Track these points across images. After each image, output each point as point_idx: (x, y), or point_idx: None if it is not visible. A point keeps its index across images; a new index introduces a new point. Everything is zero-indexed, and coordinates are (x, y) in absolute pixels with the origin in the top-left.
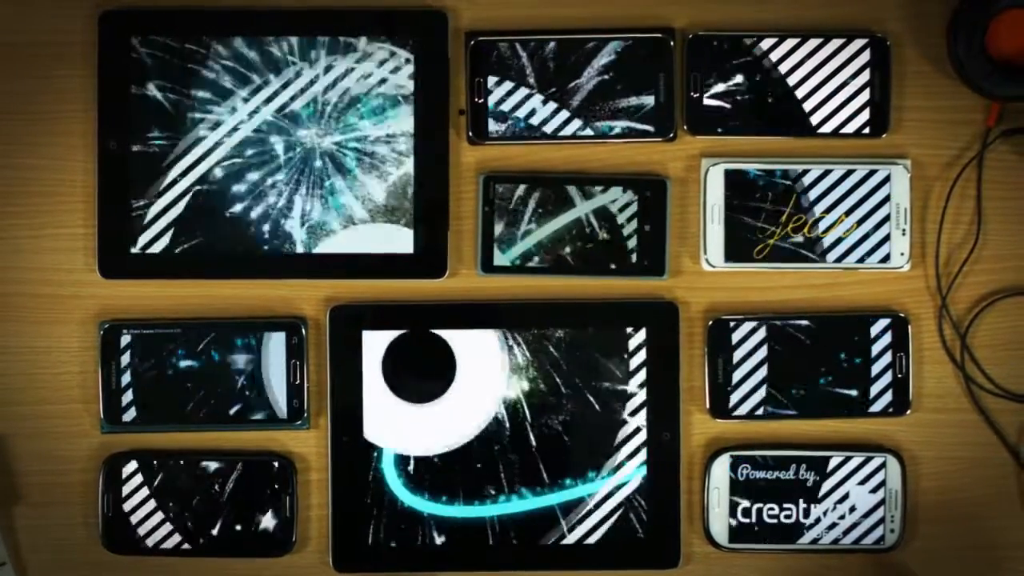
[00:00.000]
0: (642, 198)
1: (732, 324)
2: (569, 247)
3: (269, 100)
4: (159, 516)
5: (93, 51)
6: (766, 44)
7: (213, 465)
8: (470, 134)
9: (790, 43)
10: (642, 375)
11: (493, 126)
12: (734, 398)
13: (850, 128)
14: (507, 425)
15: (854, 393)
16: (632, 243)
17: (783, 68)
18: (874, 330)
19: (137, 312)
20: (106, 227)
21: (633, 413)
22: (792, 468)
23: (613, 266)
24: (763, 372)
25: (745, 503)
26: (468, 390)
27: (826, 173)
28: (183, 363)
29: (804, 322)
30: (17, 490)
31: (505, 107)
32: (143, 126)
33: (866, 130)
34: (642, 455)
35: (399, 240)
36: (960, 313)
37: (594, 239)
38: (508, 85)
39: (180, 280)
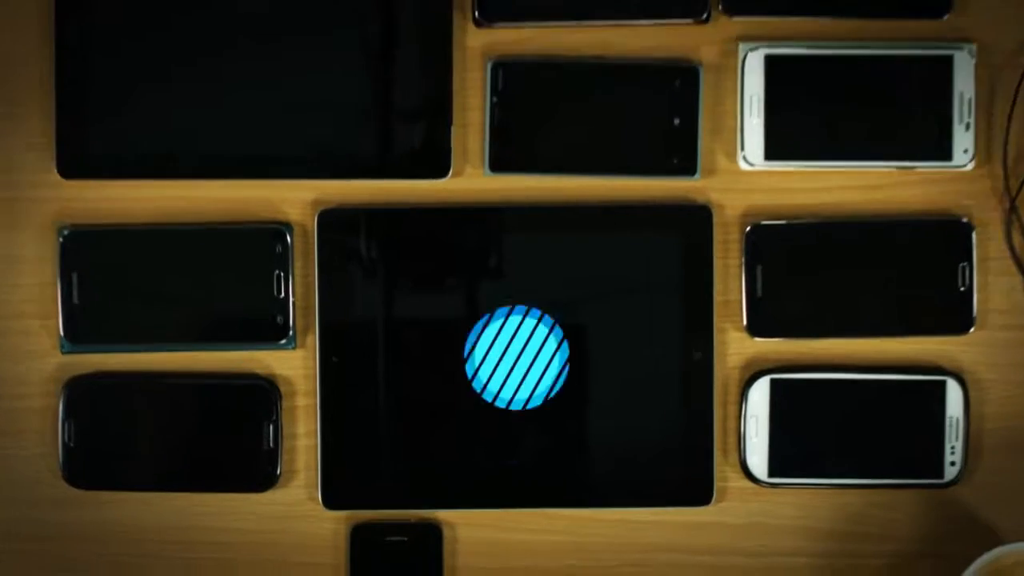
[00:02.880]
0: (671, 88)
1: (773, 230)
2: (588, 143)
3: None
4: (126, 446)
5: None
6: None
7: (187, 389)
8: (476, 14)
9: None
10: (671, 287)
11: (502, 5)
12: (775, 314)
13: (907, 7)
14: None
15: (910, 307)
16: (660, 139)
17: None
18: (933, 236)
19: (101, 217)
20: (66, 120)
21: (660, 329)
22: (840, 393)
23: (638, 164)
24: (808, 283)
25: (786, 432)
26: None
27: (879, 59)
28: (154, 274)
29: (854, 228)
30: None
31: None
32: (107, 4)
33: (925, 10)
34: (671, 377)
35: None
36: None
37: (617, 134)
38: None
39: (150, 180)
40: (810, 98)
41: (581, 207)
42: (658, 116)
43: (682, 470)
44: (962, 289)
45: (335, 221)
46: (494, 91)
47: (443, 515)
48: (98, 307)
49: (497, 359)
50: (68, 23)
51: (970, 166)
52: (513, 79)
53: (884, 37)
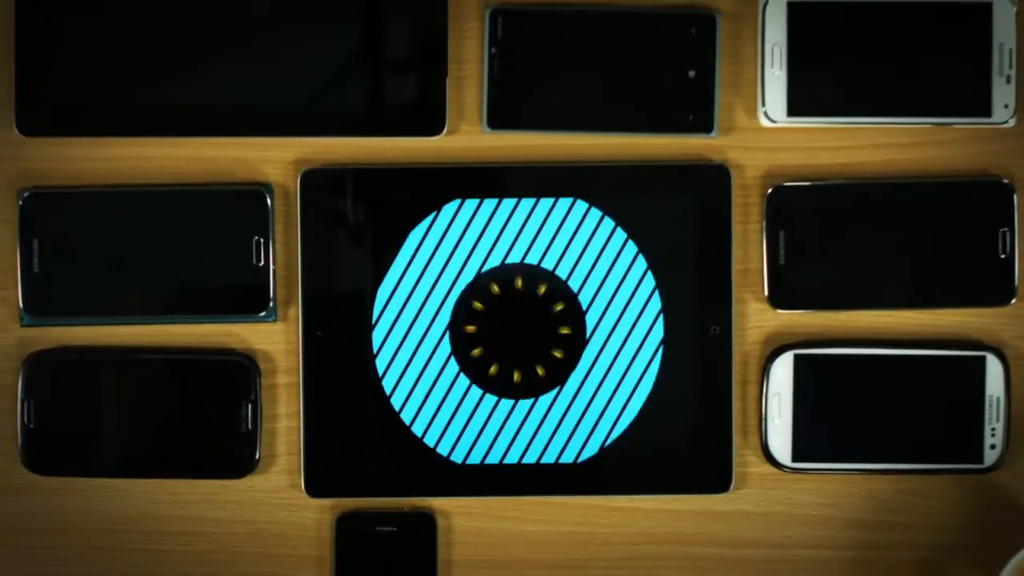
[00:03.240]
0: (685, 37)
1: (797, 192)
2: (595, 98)
3: None
4: (92, 428)
5: None
6: None
7: (158, 365)
8: None
9: None
10: (685, 255)
11: None
12: (798, 283)
13: None
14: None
15: (946, 276)
16: (673, 93)
17: None
18: (971, 198)
19: (65, 177)
20: (25, 73)
21: (673, 301)
22: (869, 370)
23: (649, 121)
24: (835, 250)
25: (811, 413)
26: None
27: (912, 5)
28: (121, 240)
29: (885, 190)
30: None
31: None
32: None
33: None
34: (685, 354)
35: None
36: None
37: (626, 88)
38: None
39: (118, 138)
40: (837, 49)
41: (587, 168)
42: (671, 68)
43: (698, 454)
44: (1003, 256)
45: (319, 182)
46: (493, 41)
47: (437, 503)
48: (61, 276)
49: None
50: None
51: (1011, 122)
52: (514, 28)
53: None
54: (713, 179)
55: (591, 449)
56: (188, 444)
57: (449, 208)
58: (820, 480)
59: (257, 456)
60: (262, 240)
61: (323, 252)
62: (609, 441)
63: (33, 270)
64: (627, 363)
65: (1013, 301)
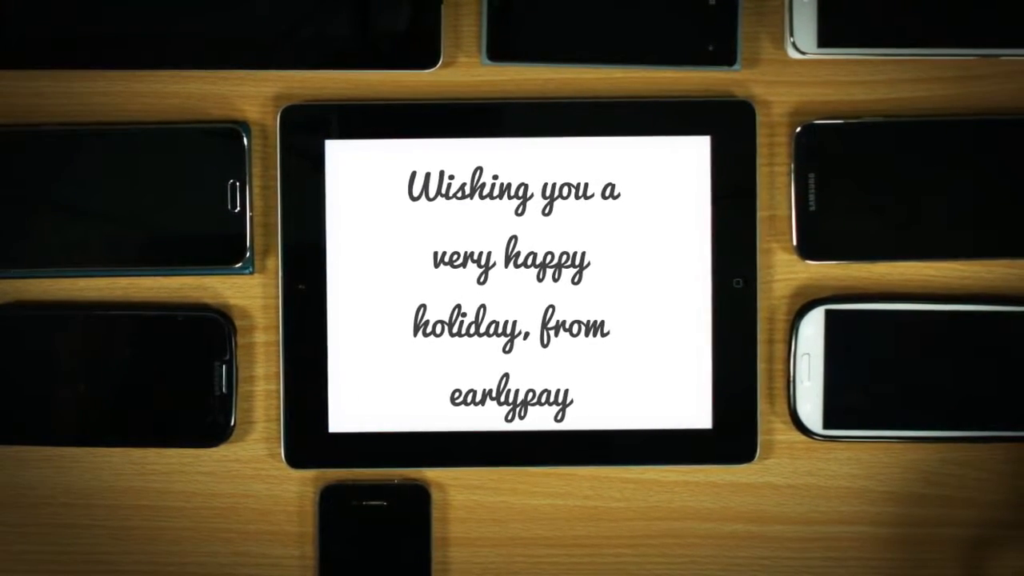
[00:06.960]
0: None
1: (828, 131)
2: (606, 27)
3: None
4: (49, 392)
5: None
6: None
7: (122, 322)
8: None
9: None
10: (704, 199)
11: None
12: (830, 231)
13: None
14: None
15: (995, 223)
16: (693, 21)
17: None
18: (1022, 137)
19: (18, 113)
20: None
21: (693, 252)
22: (910, 327)
23: (666, 52)
24: (870, 195)
25: (845, 375)
26: None
27: None
28: (83, 183)
29: (926, 128)
30: None
31: None
32: None
33: None
34: (704, 310)
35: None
36: None
37: (641, 15)
38: None
39: (75, 71)
40: None
41: (597, 104)
42: None
43: (719, 421)
44: None
45: (301, 119)
46: None
47: (431, 475)
48: (14, 224)
49: None
50: None
51: None
52: None
53: None
54: (736, 116)
55: (600, 410)
56: (156, 410)
57: (446, 147)
58: (854, 449)
59: (232, 423)
60: (238, 184)
61: (305, 197)
62: (624, 408)
63: None
64: (642, 319)
65: None
